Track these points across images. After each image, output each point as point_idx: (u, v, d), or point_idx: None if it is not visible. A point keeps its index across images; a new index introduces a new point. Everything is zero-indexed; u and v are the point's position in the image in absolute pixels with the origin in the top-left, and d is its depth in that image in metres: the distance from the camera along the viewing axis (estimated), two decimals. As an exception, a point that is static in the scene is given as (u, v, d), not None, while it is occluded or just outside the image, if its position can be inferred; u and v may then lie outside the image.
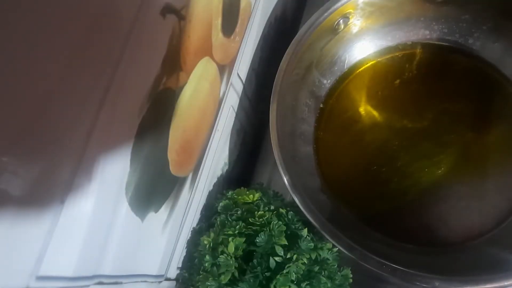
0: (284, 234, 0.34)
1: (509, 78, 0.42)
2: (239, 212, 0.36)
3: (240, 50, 0.38)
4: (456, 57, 0.44)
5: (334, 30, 0.41)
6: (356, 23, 0.43)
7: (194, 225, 0.38)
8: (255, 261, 0.34)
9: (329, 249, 0.35)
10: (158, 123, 0.27)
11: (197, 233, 0.38)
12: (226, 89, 0.37)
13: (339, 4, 0.38)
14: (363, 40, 0.45)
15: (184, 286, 0.35)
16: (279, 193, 0.42)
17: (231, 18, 0.34)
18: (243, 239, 0.35)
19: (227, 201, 0.38)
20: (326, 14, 0.38)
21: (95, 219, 0.22)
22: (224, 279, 0.33)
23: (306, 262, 0.33)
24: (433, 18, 0.43)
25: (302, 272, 0.33)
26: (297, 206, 0.34)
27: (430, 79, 0.44)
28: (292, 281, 0.32)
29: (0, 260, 0.17)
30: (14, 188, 0.17)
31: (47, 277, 0.20)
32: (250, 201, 0.38)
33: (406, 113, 0.43)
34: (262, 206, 0.37)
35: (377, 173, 0.42)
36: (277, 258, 0.34)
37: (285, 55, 0.38)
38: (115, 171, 0.23)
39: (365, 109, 0.44)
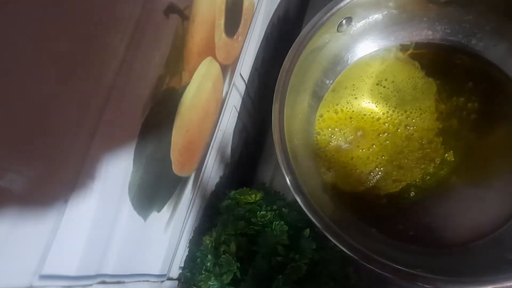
0: (286, 234, 0.35)
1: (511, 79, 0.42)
2: (241, 212, 0.36)
3: (242, 50, 0.38)
4: (459, 57, 0.44)
5: (336, 30, 0.41)
6: (359, 23, 0.43)
7: (197, 224, 0.38)
8: (257, 261, 0.34)
9: (331, 249, 0.35)
10: (161, 123, 0.27)
11: (199, 233, 0.38)
12: (228, 89, 0.37)
13: (342, 4, 0.38)
14: (365, 40, 0.45)
15: (186, 285, 0.35)
16: (281, 193, 0.42)
17: (234, 18, 0.34)
18: (245, 239, 0.35)
19: (229, 201, 0.39)
20: (329, 14, 0.38)
21: (98, 218, 0.23)
22: (226, 278, 0.33)
23: (308, 262, 0.33)
24: (436, 18, 0.43)
25: (304, 272, 0.33)
26: (299, 206, 0.34)
27: (432, 80, 0.44)
28: (294, 281, 0.33)
29: (4, 259, 0.17)
30: (18, 187, 0.17)
31: (50, 275, 0.20)
32: (252, 201, 0.38)
33: (408, 113, 0.43)
34: (264, 206, 0.38)
35: (379, 173, 0.42)
36: (279, 258, 0.34)
37: (287, 55, 0.38)
38: (118, 171, 0.24)
39: (367, 110, 0.44)
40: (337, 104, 0.44)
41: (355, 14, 0.41)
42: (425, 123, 0.42)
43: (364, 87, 0.45)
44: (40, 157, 0.18)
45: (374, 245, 0.34)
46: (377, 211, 0.41)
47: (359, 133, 0.43)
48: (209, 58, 0.31)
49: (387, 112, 0.43)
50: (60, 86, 0.18)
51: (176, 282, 0.36)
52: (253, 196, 0.38)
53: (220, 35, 0.32)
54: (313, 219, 0.33)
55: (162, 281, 0.33)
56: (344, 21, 0.41)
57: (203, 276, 0.34)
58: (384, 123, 0.43)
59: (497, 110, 0.42)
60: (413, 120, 0.43)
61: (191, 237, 0.37)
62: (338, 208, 0.41)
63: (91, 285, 0.23)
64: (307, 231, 0.35)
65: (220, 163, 0.41)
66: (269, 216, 0.35)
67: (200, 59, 0.30)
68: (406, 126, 0.43)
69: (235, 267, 0.33)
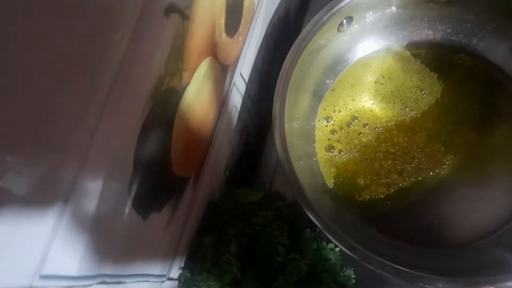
0: (286, 234, 0.35)
1: (513, 79, 0.42)
2: (241, 212, 0.36)
3: (243, 50, 0.38)
4: (460, 57, 0.44)
5: (337, 30, 0.41)
6: (359, 23, 0.43)
7: (197, 225, 0.38)
8: (257, 261, 0.34)
9: (331, 250, 0.35)
10: (161, 123, 0.27)
11: (199, 233, 0.38)
12: (229, 89, 0.37)
13: (342, 4, 0.38)
14: (366, 40, 0.45)
15: (187, 286, 0.35)
16: (282, 193, 0.42)
17: (234, 18, 0.34)
18: (246, 239, 0.35)
19: (229, 201, 0.39)
20: (329, 14, 0.38)
21: (98, 218, 0.22)
22: (227, 279, 0.33)
23: (308, 262, 0.33)
24: (437, 18, 0.43)
25: (304, 272, 0.33)
26: (300, 206, 0.34)
27: (433, 80, 0.44)
28: (294, 281, 0.33)
29: (4, 259, 0.17)
30: (18, 187, 0.17)
31: (50, 276, 0.20)
32: (253, 201, 0.38)
33: (409, 113, 0.43)
34: (264, 206, 0.38)
35: (380, 173, 0.42)
36: (279, 258, 0.34)
37: (288, 55, 0.38)
38: (118, 170, 0.23)
39: (368, 110, 0.44)
40: (337, 104, 0.44)
41: (356, 14, 0.41)
42: (426, 123, 0.42)
43: (365, 86, 0.45)
44: (40, 157, 0.18)
45: (374, 245, 0.34)
46: (377, 211, 0.41)
47: (360, 133, 0.43)
48: (209, 58, 0.31)
49: (388, 111, 0.43)
50: (60, 86, 0.18)
51: (176, 282, 0.36)
52: (254, 196, 0.38)
53: (221, 35, 0.32)
54: (313, 219, 0.33)
55: (162, 281, 0.33)
56: (344, 21, 0.41)
57: (203, 276, 0.34)
58: (384, 122, 0.43)
59: (498, 110, 0.42)
60: (414, 120, 0.43)
61: (191, 238, 0.37)
62: (338, 208, 0.41)
63: (91, 285, 0.23)
64: (307, 231, 0.35)
65: (220, 163, 0.41)
66: (270, 216, 0.35)
67: (201, 59, 0.30)
68: (406, 125, 0.43)
69: (235, 268, 0.33)
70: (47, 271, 0.19)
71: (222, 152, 0.40)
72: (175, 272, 0.35)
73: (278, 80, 0.37)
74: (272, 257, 0.34)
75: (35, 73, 0.16)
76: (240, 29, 0.36)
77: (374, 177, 0.42)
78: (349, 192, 0.42)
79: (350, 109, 0.44)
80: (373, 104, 0.44)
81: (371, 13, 0.42)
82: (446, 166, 0.41)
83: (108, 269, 0.25)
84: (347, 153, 0.43)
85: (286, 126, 0.36)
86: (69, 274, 0.21)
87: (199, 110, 0.32)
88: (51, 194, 0.19)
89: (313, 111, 0.44)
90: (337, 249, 0.35)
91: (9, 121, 0.16)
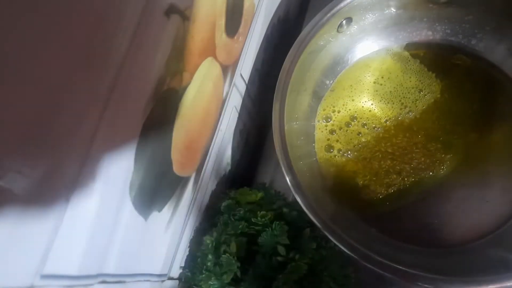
0: (286, 234, 0.35)
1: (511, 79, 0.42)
2: (241, 212, 0.36)
3: (243, 51, 0.38)
4: (459, 57, 0.44)
5: (337, 31, 0.41)
6: (359, 24, 0.43)
7: (197, 224, 0.38)
8: (257, 260, 0.34)
9: (331, 249, 0.35)
10: (162, 123, 0.27)
11: (200, 233, 0.38)
12: (229, 89, 0.37)
13: (342, 4, 0.38)
14: (365, 40, 0.45)
15: (187, 285, 0.36)
16: (282, 193, 0.42)
17: (234, 19, 0.34)
18: (246, 239, 0.35)
19: (230, 200, 0.39)
20: (329, 15, 0.38)
21: (100, 218, 0.23)
22: (227, 278, 0.33)
23: (308, 261, 0.33)
24: (436, 19, 0.43)
25: (304, 272, 0.33)
26: (300, 206, 0.34)
27: (432, 80, 0.44)
28: (294, 281, 0.33)
29: (5, 258, 0.17)
30: (19, 187, 0.17)
31: (51, 275, 0.20)
32: (252, 200, 0.38)
33: (408, 114, 0.43)
34: (264, 206, 0.38)
35: (379, 173, 0.42)
36: (279, 258, 0.34)
37: (288, 56, 0.38)
38: (119, 171, 0.24)
39: (367, 110, 0.44)
40: (337, 104, 0.45)
41: (355, 14, 0.41)
42: (425, 123, 0.43)
43: (364, 87, 0.45)
44: (41, 157, 0.18)
45: (374, 245, 0.34)
46: (377, 211, 0.41)
47: (359, 133, 0.43)
48: (209, 59, 0.32)
49: (387, 111, 0.44)
50: (61, 86, 0.18)
51: (177, 281, 0.36)
52: (254, 196, 0.39)
53: (221, 36, 0.32)
54: (313, 219, 0.33)
55: (163, 281, 0.33)
56: (344, 22, 0.41)
57: (203, 275, 0.34)
58: (384, 123, 0.43)
59: (497, 110, 0.42)
60: (413, 120, 0.43)
61: (191, 237, 0.37)
62: (338, 208, 0.41)
63: (92, 284, 0.24)
64: (307, 231, 0.35)
65: (220, 163, 0.41)
66: (270, 216, 0.35)
67: (201, 59, 0.30)
68: (406, 126, 0.43)
69: (236, 267, 0.33)
70: (48, 270, 0.19)
71: (223, 152, 0.41)
72: (175, 272, 0.36)
73: (278, 80, 0.38)
74: (272, 257, 0.34)
75: (36, 73, 0.16)
76: (240, 30, 0.36)
77: (373, 177, 0.42)
78: (348, 192, 0.42)
79: (349, 109, 0.44)
80: (372, 104, 0.44)
81: (370, 14, 0.42)
82: (445, 166, 0.41)
83: (109, 269, 0.25)
84: (346, 153, 0.43)
85: (286, 126, 0.36)
86: (70, 273, 0.21)
87: (200, 110, 0.32)
88: (52, 194, 0.19)
89: (312, 111, 0.44)
90: (337, 248, 0.35)
91: (10, 121, 0.16)
